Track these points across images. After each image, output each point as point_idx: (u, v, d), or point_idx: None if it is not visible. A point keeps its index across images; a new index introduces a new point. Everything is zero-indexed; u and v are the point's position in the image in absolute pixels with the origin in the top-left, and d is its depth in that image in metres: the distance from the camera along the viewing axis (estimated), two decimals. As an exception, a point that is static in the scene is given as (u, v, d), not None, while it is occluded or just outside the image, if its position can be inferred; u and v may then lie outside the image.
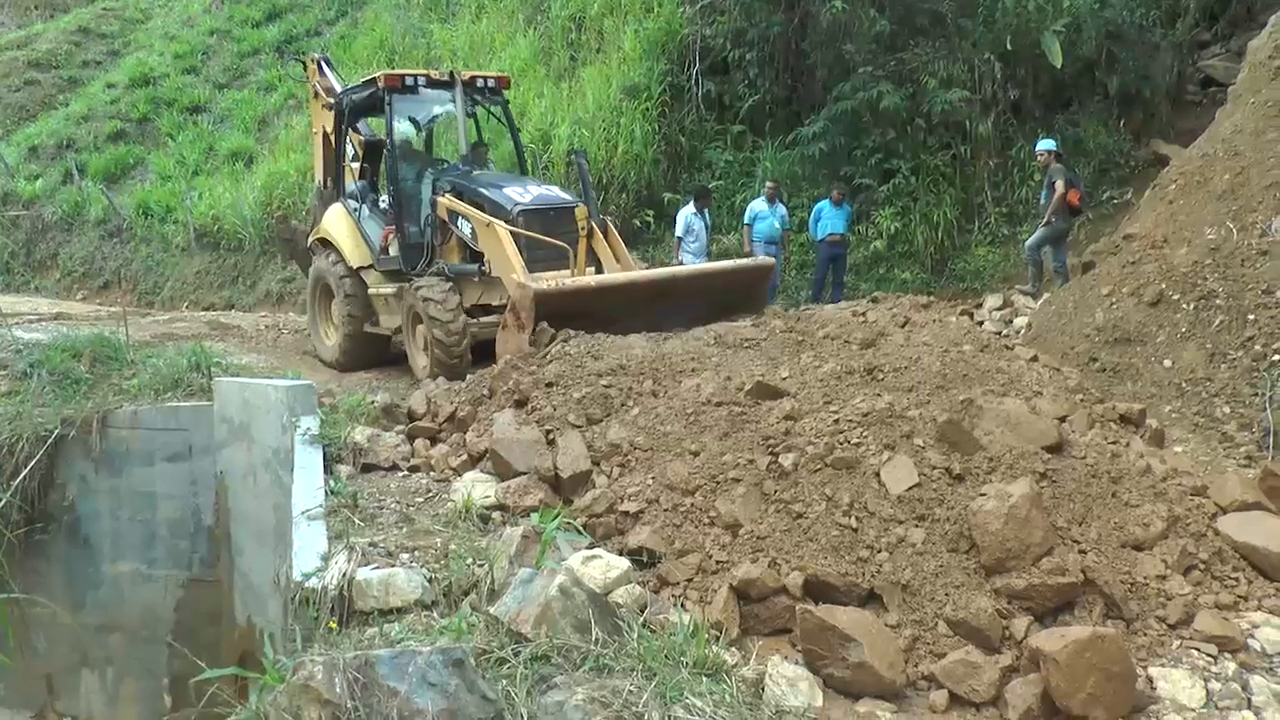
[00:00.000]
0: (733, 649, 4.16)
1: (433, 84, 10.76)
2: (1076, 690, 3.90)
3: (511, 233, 9.14)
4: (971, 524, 4.75)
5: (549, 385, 6.88)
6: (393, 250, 10.73)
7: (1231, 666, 4.18)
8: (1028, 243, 12.03)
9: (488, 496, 5.79)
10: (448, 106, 11.23)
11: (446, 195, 10.11)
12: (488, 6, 20.41)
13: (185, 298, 19.89)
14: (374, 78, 10.84)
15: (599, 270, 9.62)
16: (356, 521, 5.57)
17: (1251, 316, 7.41)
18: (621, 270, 9.57)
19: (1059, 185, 11.55)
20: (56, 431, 8.23)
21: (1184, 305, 7.87)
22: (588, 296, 8.53)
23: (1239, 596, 4.78)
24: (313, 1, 26.63)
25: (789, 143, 14.61)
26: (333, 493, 5.92)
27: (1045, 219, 11.74)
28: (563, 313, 8.19)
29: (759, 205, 13.16)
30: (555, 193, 10.19)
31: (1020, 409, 5.78)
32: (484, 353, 9.01)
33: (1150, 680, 4.15)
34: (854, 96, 13.50)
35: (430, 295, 9.35)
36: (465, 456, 6.53)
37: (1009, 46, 13.31)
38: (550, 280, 8.48)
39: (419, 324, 9.69)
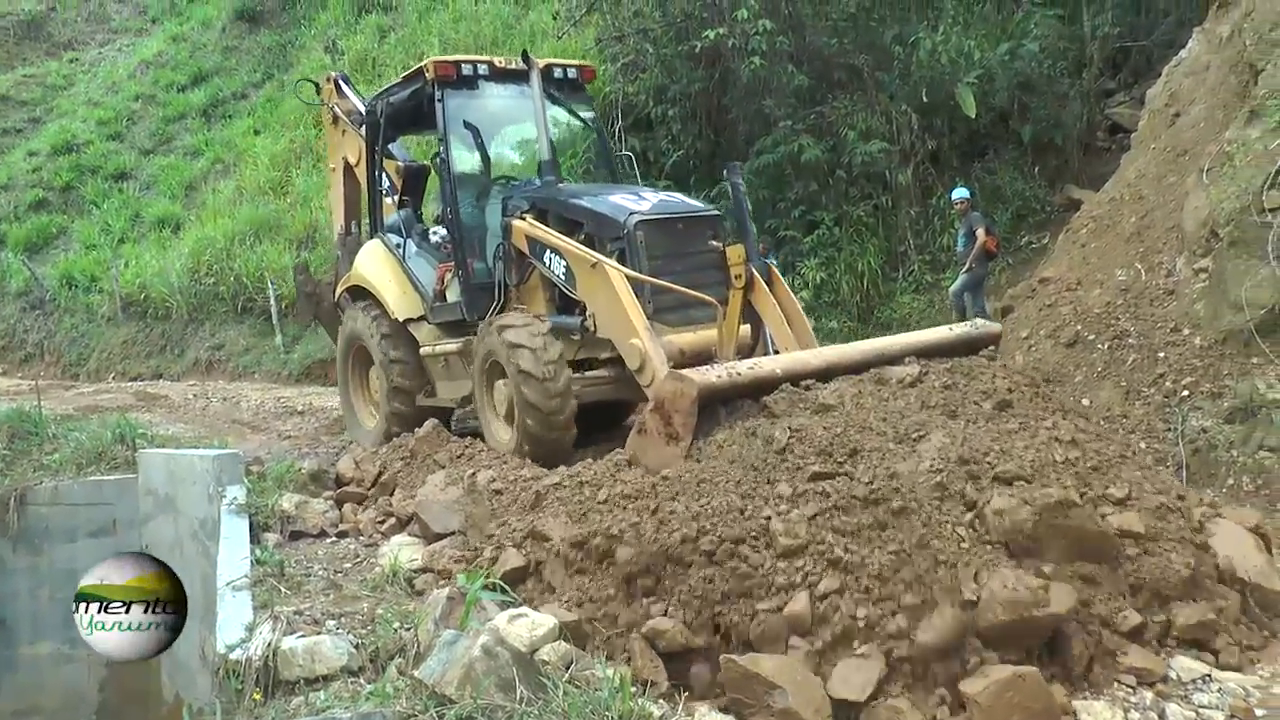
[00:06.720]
0: (660, 700, 4.15)
1: (496, 75, 8.43)
2: (1000, 729, 3.95)
3: (629, 278, 6.67)
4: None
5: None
6: (452, 295, 8.31)
7: (1149, 696, 4.26)
8: (952, 289, 12.30)
9: (414, 559, 5.75)
10: (516, 105, 8.70)
11: (525, 217, 7.65)
12: (413, 66, 20.46)
13: (112, 368, 19.55)
14: (420, 68, 8.58)
15: (754, 330, 7.38)
16: (283, 590, 5.48)
17: (1161, 354, 7.65)
18: (795, 333, 6.95)
19: (980, 232, 11.85)
20: (-29, 511, 8.05)
21: (1099, 345, 8.11)
22: (772, 390, 5.65)
23: (1158, 628, 4.86)
24: (238, 65, 26.58)
25: (714, 197, 14.77)
26: (259, 562, 5.82)
27: (966, 265, 12.02)
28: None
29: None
30: (680, 199, 7.86)
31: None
32: (591, 419, 7.19)
33: (1074, 714, 4.20)
34: (775, 150, 13.81)
35: (518, 340, 6.97)
36: (393, 520, 6.48)
37: (925, 98, 13.66)
38: (717, 371, 5.71)
39: (498, 379, 7.36)
